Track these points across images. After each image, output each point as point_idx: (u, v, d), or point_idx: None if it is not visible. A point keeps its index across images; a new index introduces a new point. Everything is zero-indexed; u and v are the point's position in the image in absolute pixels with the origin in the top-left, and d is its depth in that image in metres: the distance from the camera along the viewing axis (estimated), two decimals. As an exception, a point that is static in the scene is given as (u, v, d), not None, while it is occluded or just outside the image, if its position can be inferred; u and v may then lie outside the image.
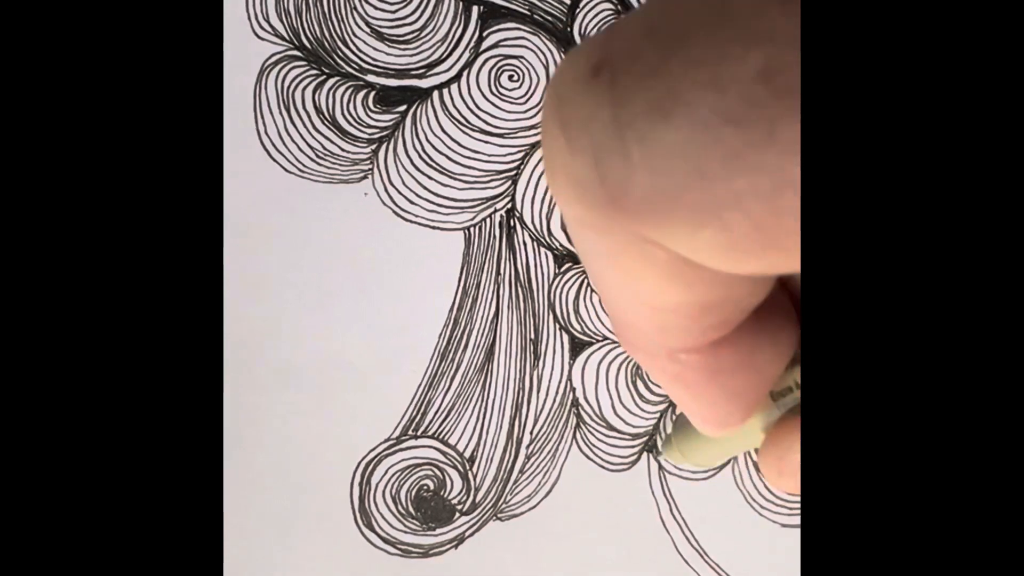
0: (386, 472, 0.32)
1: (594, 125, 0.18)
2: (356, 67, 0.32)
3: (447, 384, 0.32)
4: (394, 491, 0.32)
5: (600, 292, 0.22)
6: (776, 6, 0.17)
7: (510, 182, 0.32)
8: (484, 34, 0.32)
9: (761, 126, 0.16)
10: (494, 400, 0.32)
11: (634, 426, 0.32)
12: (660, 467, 0.32)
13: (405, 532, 0.32)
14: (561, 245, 0.32)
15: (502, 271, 0.32)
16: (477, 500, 0.32)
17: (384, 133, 0.32)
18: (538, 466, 0.32)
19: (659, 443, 0.32)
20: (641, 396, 0.32)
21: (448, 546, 0.32)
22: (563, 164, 0.19)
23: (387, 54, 0.32)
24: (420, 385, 0.32)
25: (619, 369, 0.32)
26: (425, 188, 0.32)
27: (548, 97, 0.19)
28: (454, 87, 0.32)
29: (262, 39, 0.32)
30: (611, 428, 0.32)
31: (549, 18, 0.31)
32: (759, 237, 0.17)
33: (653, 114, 0.17)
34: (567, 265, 0.32)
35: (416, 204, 0.32)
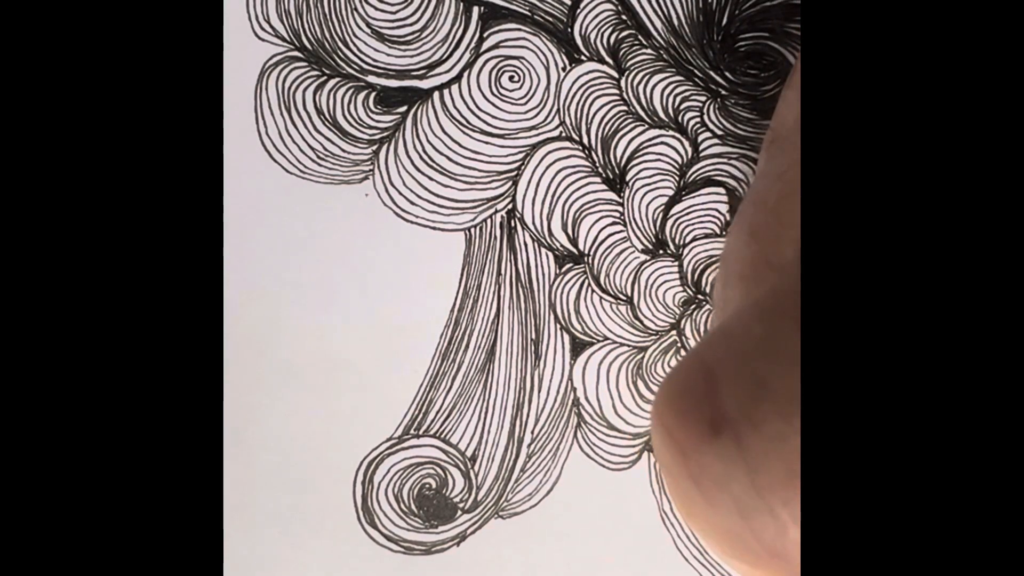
0: (388, 471, 0.32)
1: (732, 486, 0.19)
2: (357, 68, 0.32)
3: (449, 384, 0.32)
4: (396, 489, 0.32)
5: None
6: None
7: (511, 183, 0.32)
8: (485, 35, 0.32)
9: None
10: (495, 400, 0.32)
11: (634, 425, 0.32)
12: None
13: (408, 530, 0.33)
14: (561, 245, 0.32)
15: (503, 272, 0.32)
16: (479, 498, 0.32)
17: (385, 134, 0.32)
18: (539, 465, 0.32)
19: None
20: (641, 396, 0.32)
21: (450, 543, 0.33)
22: (705, 516, 0.20)
23: (388, 55, 0.32)
24: (422, 385, 0.32)
25: (619, 369, 0.32)
26: (426, 189, 0.32)
27: (665, 440, 0.20)
28: (455, 88, 0.32)
29: (263, 40, 0.32)
30: (612, 427, 0.32)
31: (550, 19, 0.31)
32: None
33: (794, 481, 0.18)
34: (567, 265, 0.32)
35: (417, 205, 0.32)
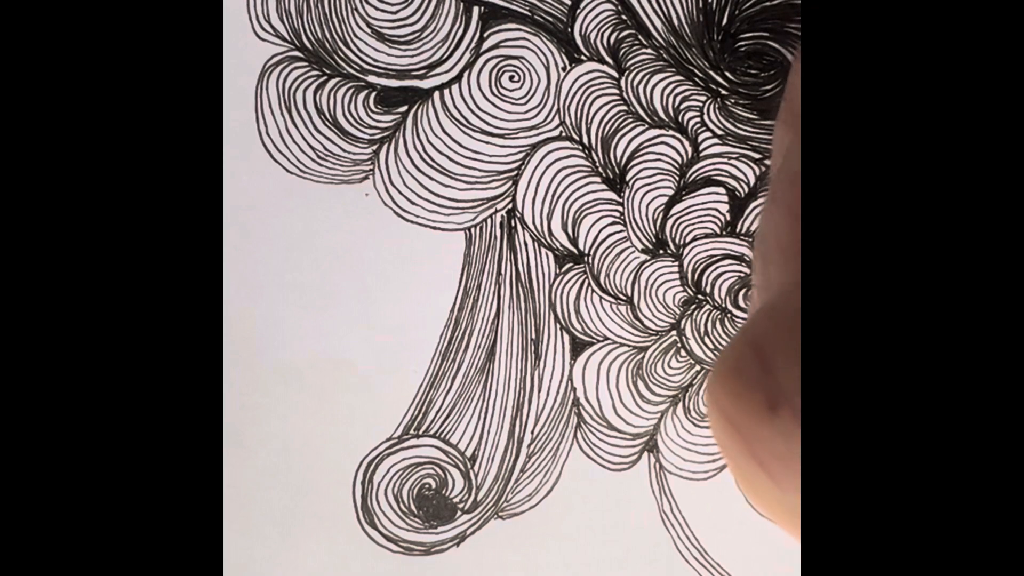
0: (388, 471, 0.32)
1: (795, 461, 0.19)
2: (357, 68, 0.32)
3: (448, 384, 0.32)
4: (396, 490, 0.32)
5: None
6: None
7: (511, 183, 0.32)
8: (485, 35, 0.32)
9: None
10: (495, 400, 0.32)
11: (635, 426, 0.32)
12: (660, 466, 0.32)
13: (407, 530, 0.33)
14: (561, 245, 0.32)
15: (503, 271, 0.32)
16: (478, 499, 0.32)
17: (385, 134, 0.32)
18: (539, 465, 0.32)
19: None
20: (642, 396, 0.32)
21: (450, 544, 0.33)
22: (772, 495, 0.20)
23: (388, 55, 0.32)
24: (421, 385, 0.32)
25: (619, 369, 0.32)
26: (426, 188, 0.32)
27: (722, 423, 0.20)
28: (455, 88, 0.32)
29: (263, 40, 0.32)
30: (612, 428, 0.32)
31: (550, 19, 0.31)
32: None
33: None
34: (567, 265, 0.32)
35: (417, 204, 0.32)
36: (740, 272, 0.32)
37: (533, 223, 0.32)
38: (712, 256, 0.32)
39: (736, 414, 0.20)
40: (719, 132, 0.32)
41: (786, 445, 0.19)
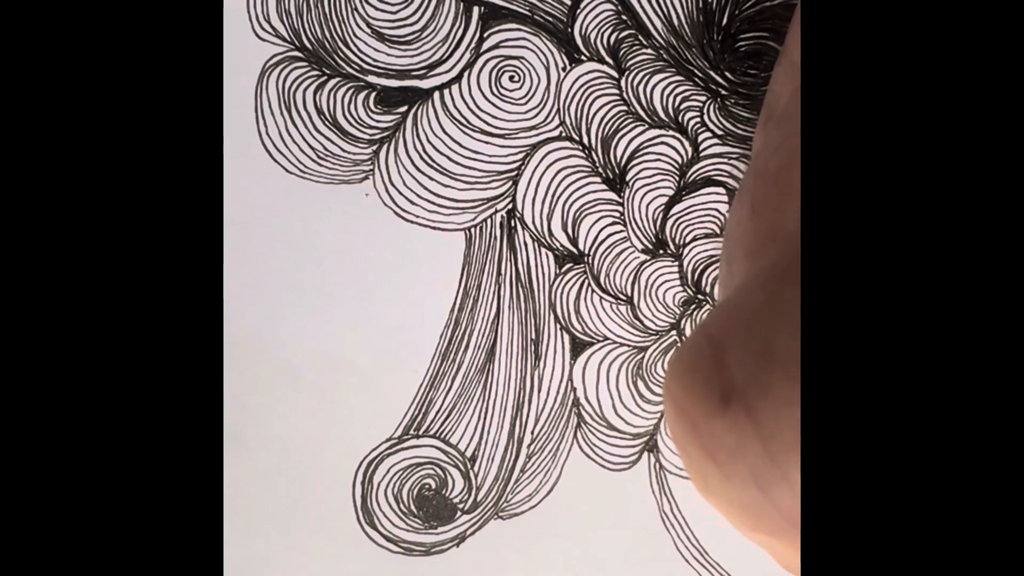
0: (388, 471, 0.32)
1: (746, 456, 0.19)
2: (357, 68, 0.32)
3: (448, 384, 0.32)
4: (396, 490, 0.32)
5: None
6: None
7: (511, 183, 0.32)
8: (485, 35, 0.32)
9: None
10: (495, 400, 0.32)
11: (635, 426, 0.32)
12: (660, 466, 0.32)
13: (407, 531, 0.33)
14: (561, 245, 0.32)
15: (503, 271, 0.32)
16: (478, 499, 0.32)
17: (385, 134, 0.32)
18: (539, 465, 0.32)
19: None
20: (642, 396, 0.32)
21: (450, 544, 0.33)
22: (722, 491, 0.20)
23: (388, 55, 0.32)
24: (421, 385, 0.32)
25: (619, 369, 0.32)
26: (426, 189, 0.32)
27: (676, 416, 0.20)
28: (455, 88, 0.32)
29: (263, 40, 0.32)
30: (612, 428, 0.32)
31: (550, 19, 0.31)
32: None
33: None
34: (567, 265, 0.32)
35: (417, 205, 0.32)
36: (740, 272, 0.32)
37: (533, 223, 0.32)
38: (712, 256, 0.32)
39: (690, 407, 0.20)
40: (719, 132, 0.32)
41: (737, 439, 0.19)
